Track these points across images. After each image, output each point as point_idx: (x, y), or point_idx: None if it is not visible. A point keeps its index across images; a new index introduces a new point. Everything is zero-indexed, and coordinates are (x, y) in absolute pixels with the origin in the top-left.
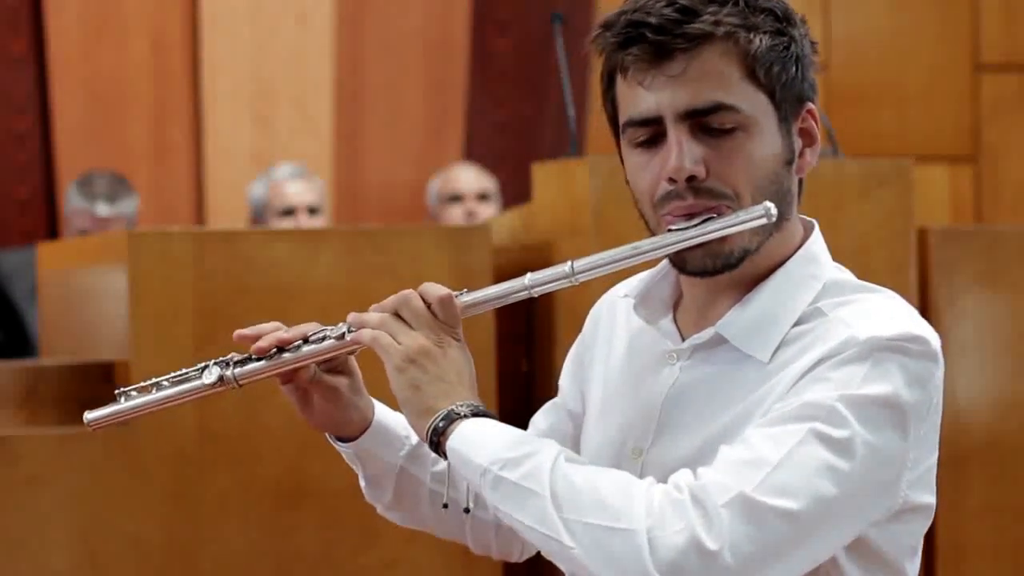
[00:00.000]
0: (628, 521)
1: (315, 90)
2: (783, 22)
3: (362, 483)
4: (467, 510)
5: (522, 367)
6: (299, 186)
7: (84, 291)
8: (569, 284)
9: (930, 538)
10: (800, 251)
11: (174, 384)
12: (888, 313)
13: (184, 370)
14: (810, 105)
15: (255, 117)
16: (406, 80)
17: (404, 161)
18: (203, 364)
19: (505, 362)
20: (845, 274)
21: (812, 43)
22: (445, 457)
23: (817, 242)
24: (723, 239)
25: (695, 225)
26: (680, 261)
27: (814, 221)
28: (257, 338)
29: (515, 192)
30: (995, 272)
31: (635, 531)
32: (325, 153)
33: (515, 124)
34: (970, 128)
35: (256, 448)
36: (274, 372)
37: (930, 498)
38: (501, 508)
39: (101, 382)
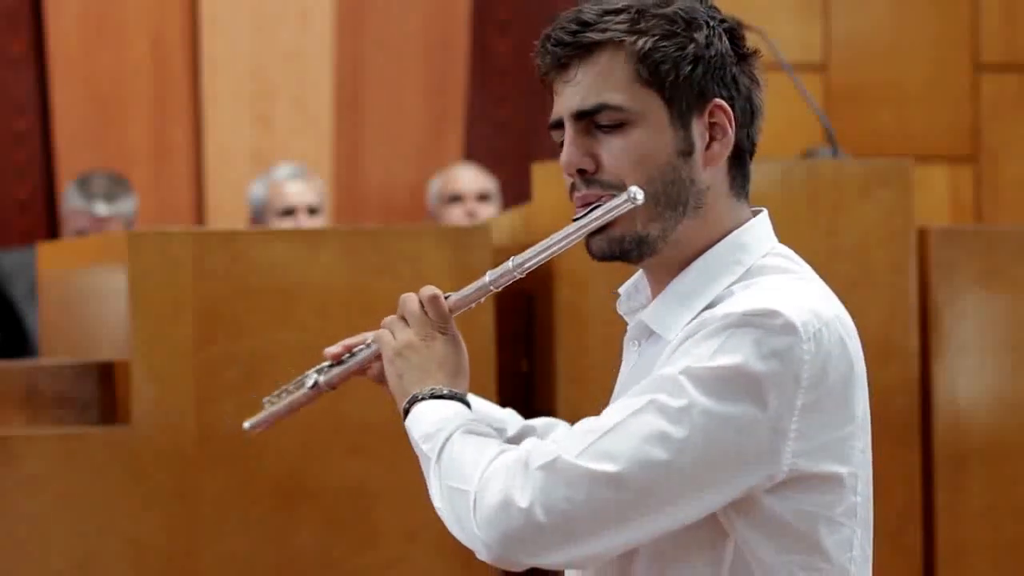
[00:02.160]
0: (468, 484)
1: (315, 90)
2: (679, 24)
3: None
4: None
5: (522, 367)
6: (299, 186)
7: (84, 291)
8: (513, 278)
9: (930, 538)
10: (727, 238)
11: (296, 389)
12: (767, 292)
13: (299, 377)
14: (718, 101)
15: (255, 117)
16: (406, 80)
17: (404, 161)
18: (308, 372)
19: (505, 362)
20: (783, 260)
21: (738, 46)
22: None
23: (751, 230)
24: (614, 224)
25: (584, 215)
26: (588, 248)
27: (761, 210)
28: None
29: (515, 192)
30: (995, 272)
31: (468, 492)
32: (325, 153)
33: (515, 124)
34: (970, 128)
35: (256, 448)
36: (347, 374)
37: (838, 468)
38: (425, 476)
39: (101, 382)
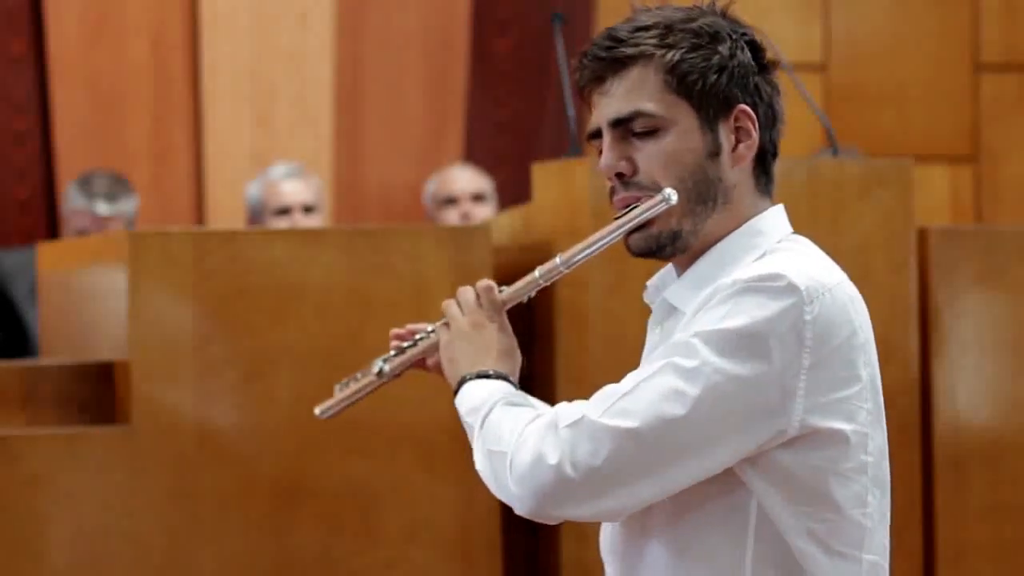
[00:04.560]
0: (504, 446)
1: (315, 90)
2: (704, 37)
3: None
4: None
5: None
6: (294, 185)
7: (84, 291)
8: (561, 273)
9: (930, 538)
10: (744, 225)
11: (363, 376)
12: (772, 261)
13: (369, 365)
14: (742, 106)
15: (255, 117)
16: (406, 80)
17: (404, 161)
18: (376, 359)
19: None
20: (797, 244)
21: (759, 56)
22: None
23: (766, 219)
24: (651, 223)
25: (623, 215)
26: (626, 246)
27: (779, 206)
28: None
29: (515, 192)
30: (995, 272)
31: (504, 453)
32: (325, 153)
33: (515, 124)
34: (970, 128)
35: (256, 448)
36: (409, 362)
37: (842, 425)
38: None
39: (101, 382)
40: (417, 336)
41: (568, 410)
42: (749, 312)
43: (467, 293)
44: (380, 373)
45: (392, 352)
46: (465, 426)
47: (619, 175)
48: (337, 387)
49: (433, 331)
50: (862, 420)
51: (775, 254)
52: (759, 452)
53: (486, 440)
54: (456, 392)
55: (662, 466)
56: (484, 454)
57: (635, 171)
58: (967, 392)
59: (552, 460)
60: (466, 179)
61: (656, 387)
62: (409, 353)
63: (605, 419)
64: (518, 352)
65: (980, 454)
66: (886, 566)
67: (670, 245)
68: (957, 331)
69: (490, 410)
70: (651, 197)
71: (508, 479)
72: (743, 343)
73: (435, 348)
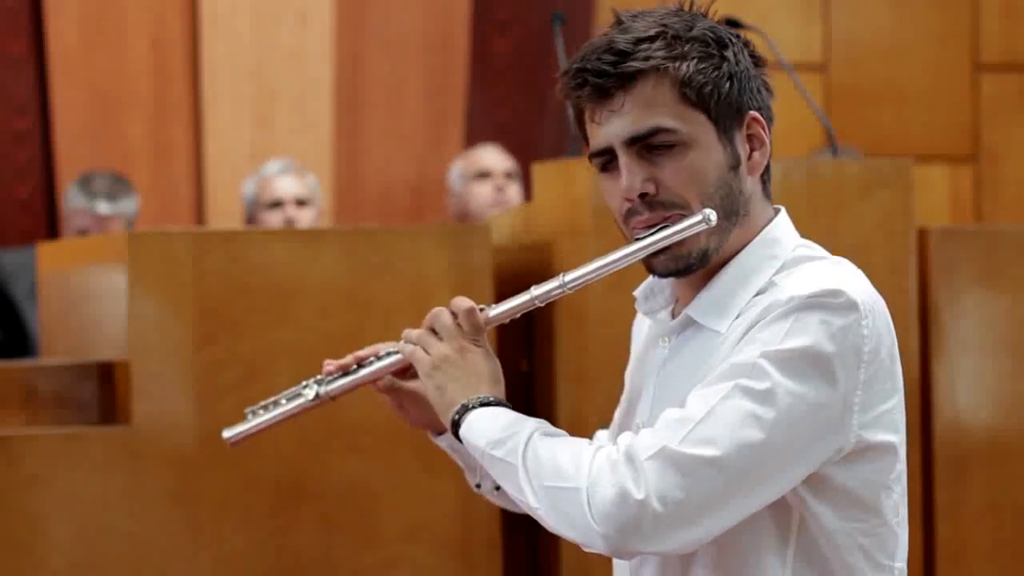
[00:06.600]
0: (574, 482)
1: (315, 90)
2: (712, 46)
3: (466, 474)
4: (477, 485)
5: (522, 367)
6: (286, 179)
7: (84, 291)
8: (563, 293)
9: (930, 538)
10: (759, 236)
11: (289, 400)
12: (820, 275)
13: (294, 388)
14: (752, 113)
15: (255, 117)
16: (406, 80)
17: (404, 161)
18: (305, 383)
19: (505, 362)
20: (811, 250)
21: (754, 57)
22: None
23: (779, 226)
24: (681, 243)
25: (651, 234)
26: (650, 266)
27: (780, 208)
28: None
29: None
30: (995, 272)
31: (578, 489)
32: (325, 153)
33: (515, 124)
34: (970, 128)
35: (256, 448)
36: (355, 386)
37: (890, 437)
38: (498, 481)
39: (101, 382)
40: (367, 361)
41: (643, 441)
42: (813, 330)
43: (443, 316)
44: (316, 397)
45: (327, 376)
46: (482, 456)
47: (642, 195)
48: (249, 411)
49: (388, 354)
50: (902, 428)
51: (810, 264)
52: (814, 472)
53: (538, 476)
54: (456, 421)
55: (744, 491)
56: (539, 490)
57: (658, 190)
58: (967, 392)
59: (638, 495)
60: (498, 157)
61: (731, 412)
62: (356, 376)
63: (687, 448)
64: (502, 376)
65: (980, 454)
66: (906, 570)
67: (697, 263)
68: (957, 331)
69: (527, 442)
70: (680, 217)
71: (587, 516)
72: (810, 363)
73: (388, 370)
